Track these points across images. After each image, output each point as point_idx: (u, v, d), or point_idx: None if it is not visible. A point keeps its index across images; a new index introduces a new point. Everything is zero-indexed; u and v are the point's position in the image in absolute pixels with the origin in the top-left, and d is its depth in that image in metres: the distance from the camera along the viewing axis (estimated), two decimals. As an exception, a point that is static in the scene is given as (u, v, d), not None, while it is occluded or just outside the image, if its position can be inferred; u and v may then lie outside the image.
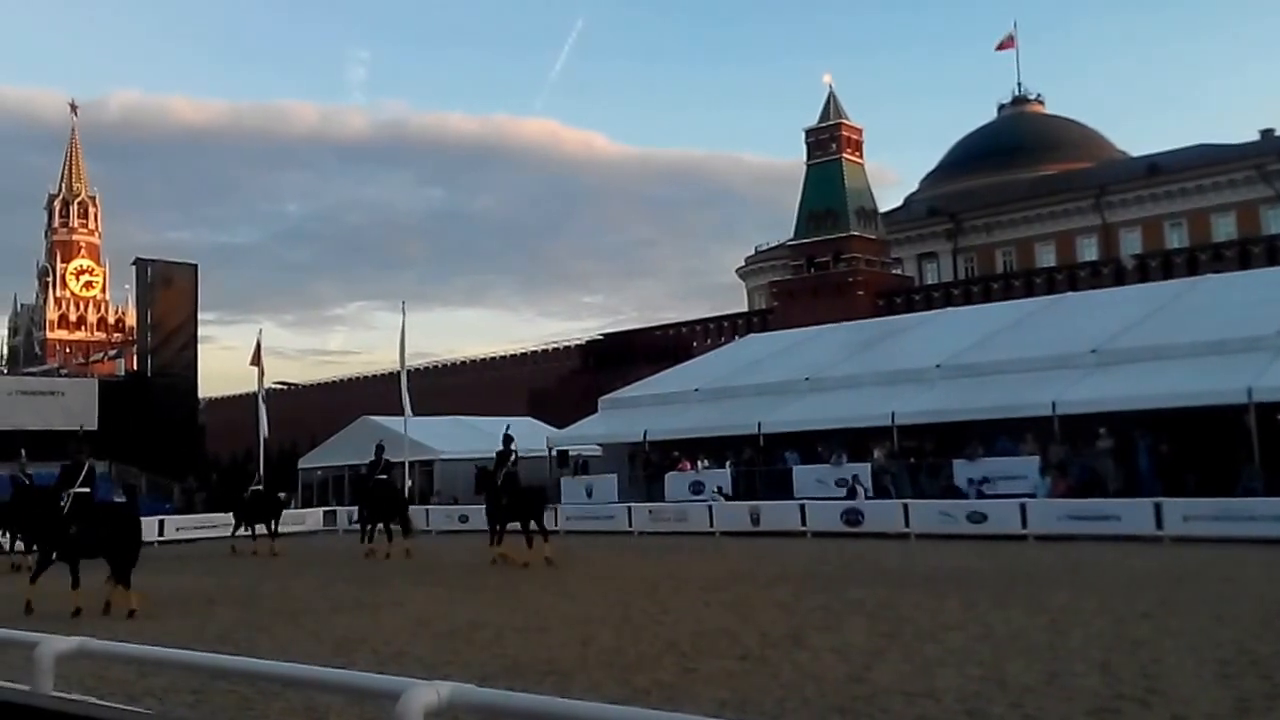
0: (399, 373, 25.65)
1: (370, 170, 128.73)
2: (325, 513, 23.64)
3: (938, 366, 18.75)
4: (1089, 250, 40.94)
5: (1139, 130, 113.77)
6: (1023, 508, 14.37)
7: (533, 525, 12.97)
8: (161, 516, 20.02)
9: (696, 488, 19.39)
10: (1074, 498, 14.45)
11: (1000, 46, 49.14)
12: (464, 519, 20.95)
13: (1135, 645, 6.03)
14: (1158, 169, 40.93)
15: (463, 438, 25.78)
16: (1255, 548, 11.28)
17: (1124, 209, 41.12)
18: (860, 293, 35.77)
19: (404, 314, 27.55)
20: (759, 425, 19.05)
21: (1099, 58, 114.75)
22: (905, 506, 15.48)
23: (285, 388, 42.88)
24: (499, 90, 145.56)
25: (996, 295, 32.64)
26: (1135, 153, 47.29)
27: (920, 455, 17.44)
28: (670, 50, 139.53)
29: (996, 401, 16.35)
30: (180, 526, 20.37)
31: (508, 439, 13.55)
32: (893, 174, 69.48)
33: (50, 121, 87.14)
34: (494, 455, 13.85)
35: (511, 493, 13.24)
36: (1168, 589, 8.52)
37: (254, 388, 23.05)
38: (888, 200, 43.82)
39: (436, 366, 51.28)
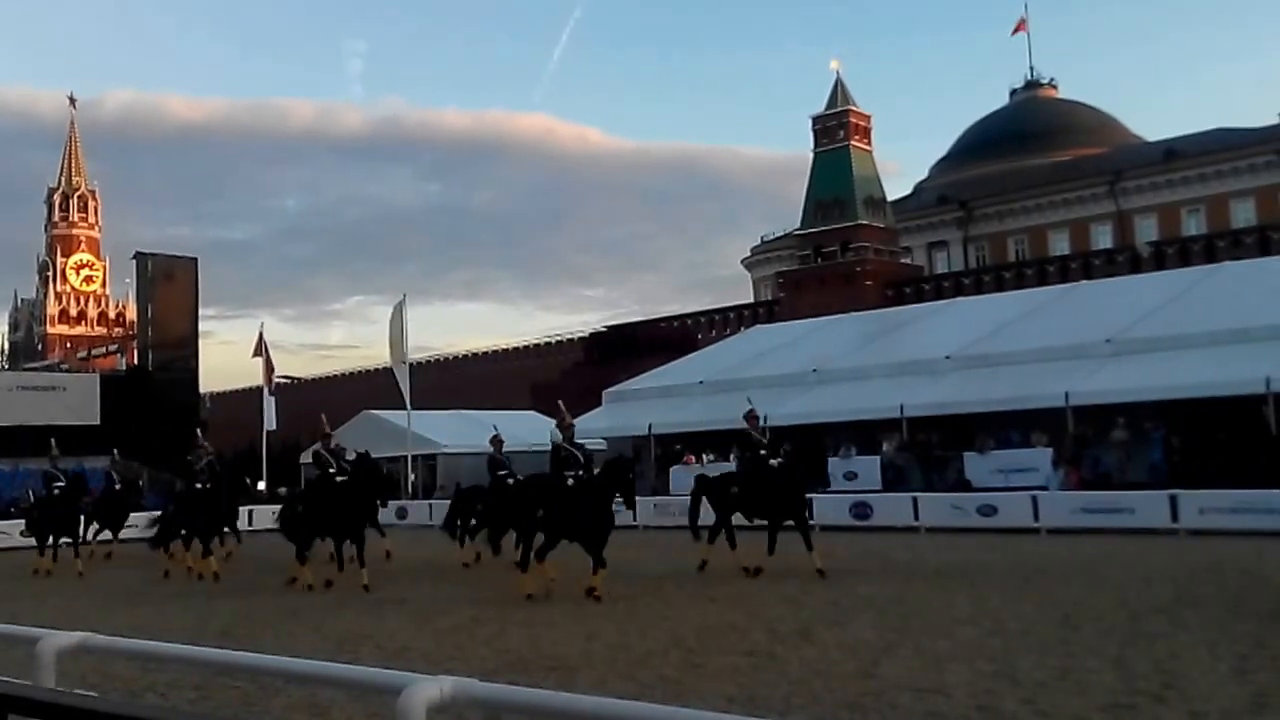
0: (400, 366, 25.12)
1: (368, 166, 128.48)
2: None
3: (948, 357, 18.55)
4: (1104, 238, 40.35)
5: (1155, 115, 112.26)
6: (1034, 500, 14.22)
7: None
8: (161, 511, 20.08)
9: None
10: (1086, 490, 14.27)
11: (1016, 31, 48.42)
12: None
13: (1150, 640, 5.90)
14: (1174, 154, 40.28)
15: (466, 431, 25.75)
16: (1273, 540, 11.10)
17: (1140, 195, 40.50)
18: (868, 283, 35.46)
19: (404, 307, 25.09)
20: (764, 418, 18.87)
21: (1113, 41, 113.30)
22: (915, 500, 15.35)
23: (287, 381, 42.95)
24: (495, 84, 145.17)
25: (1009, 284, 32.23)
26: (1151, 137, 46.55)
27: (930, 447, 17.28)
28: (667, 43, 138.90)
29: (1008, 393, 16.16)
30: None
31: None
32: (895, 164, 68.39)
33: (49, 120, 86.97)
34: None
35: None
36: (1184, 583, 8.38)
37: (255, 382, 22.85)
38: (893, 190, 43.39)
39: (438, 360, 51.21)
